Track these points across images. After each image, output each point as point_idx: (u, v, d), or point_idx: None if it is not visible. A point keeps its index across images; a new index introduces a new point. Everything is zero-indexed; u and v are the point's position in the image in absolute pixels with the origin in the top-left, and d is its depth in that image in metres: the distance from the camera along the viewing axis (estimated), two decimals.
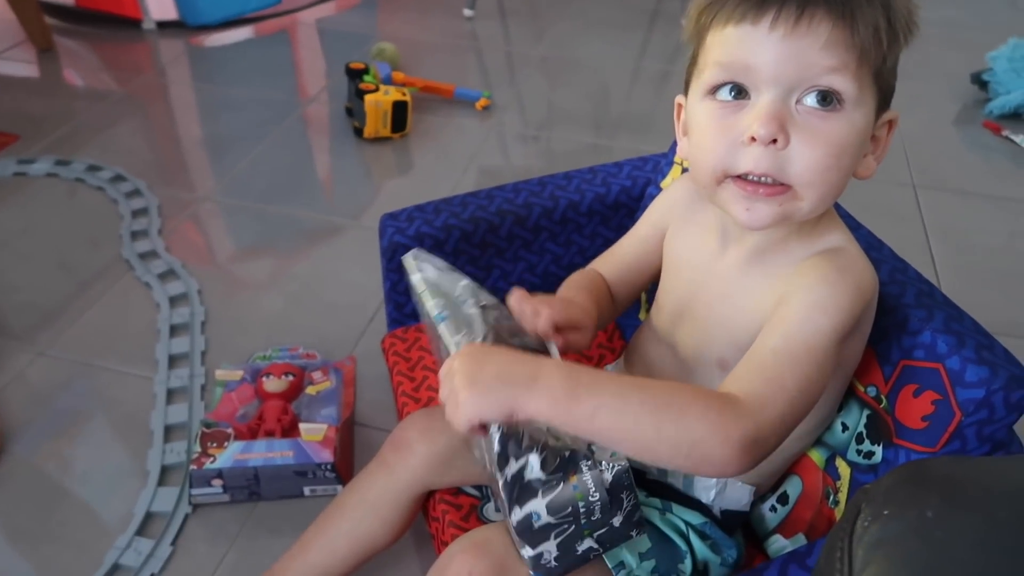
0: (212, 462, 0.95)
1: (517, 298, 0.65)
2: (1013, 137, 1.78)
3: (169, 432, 1.06)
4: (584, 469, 0.56)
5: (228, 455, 0.96)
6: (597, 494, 0.57)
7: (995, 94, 1.86)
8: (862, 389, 0.72)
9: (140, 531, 0.94)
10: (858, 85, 0.55)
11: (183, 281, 1.31)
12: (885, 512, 0.42)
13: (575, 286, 0.75)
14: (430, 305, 0.63)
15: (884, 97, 0.59)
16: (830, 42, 0.53)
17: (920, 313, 0.69)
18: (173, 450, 1.03)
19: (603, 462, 0.57)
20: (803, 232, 0.64)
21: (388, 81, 1.75)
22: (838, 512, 0.73)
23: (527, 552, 0.58)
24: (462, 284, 0.67)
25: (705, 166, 0.59)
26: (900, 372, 0.69)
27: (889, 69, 0.58)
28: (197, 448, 0.97)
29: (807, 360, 0.56)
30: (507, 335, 0.63)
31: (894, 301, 0.71)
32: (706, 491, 0.73)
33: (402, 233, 0.99)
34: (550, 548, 0.58)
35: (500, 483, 0.56)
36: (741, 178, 0.58)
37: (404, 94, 1.67)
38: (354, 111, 1.73)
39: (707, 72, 0.58)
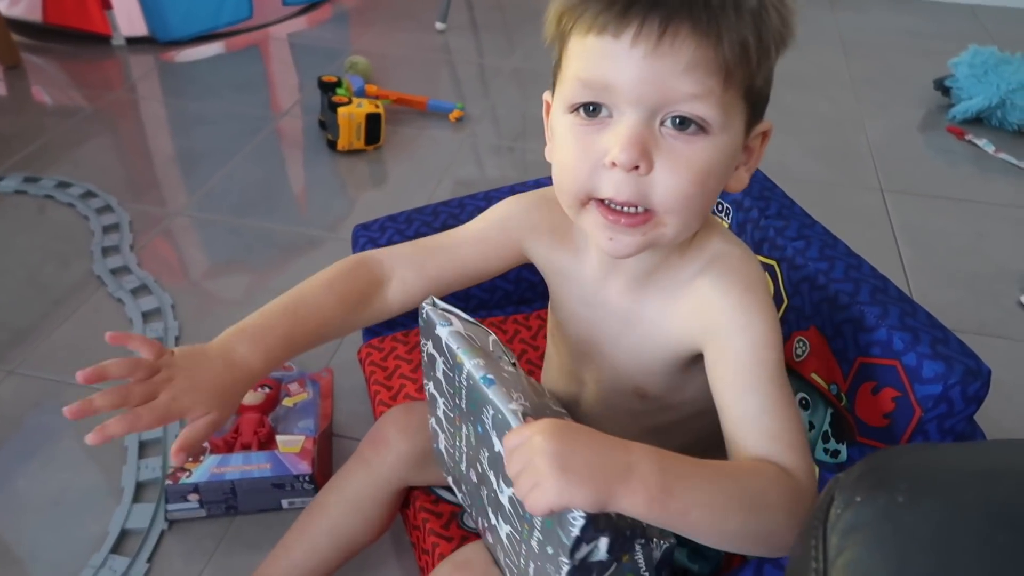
0: (188, 477, 0.94)
1: None
2: (976, 141, 1.82)
3: (143, 448, 1.05)
4: (637, 548, 0.55)
5: (204, 469, 0.95)
6: (647, 572, 0.56)
7: (957, 99, 1.90)
8: (825, 386, 0.73)
9: (115, 549, 0.92)
10: (723, 110, 0.52)
11: (156, 296, 1.30)
12: (857, 499, 0.43)
13: (292, 315, 0.66)
14: (470, 365, 0.57)
15: (756, 110, 0.56)
16: (693, 64, 0.50)
17: (875, 310, 0.69)
18: (148, 466, 1.02)
19: (654, 539, 0.55)
20: (683, 247, 0.62)
21: (361, 94, 1.75)
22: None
23: None
24: (492, 339, 0.62)
25: (568, 188, 0.56)
26: (857, 370, 0.70)
27: (761, 83, 0.54)
28: (173, 463, 0.96)
29: (785, 397, 0.57)
30: (535, 396, 0.60)
31: (849, 299, 0.72)
32: None
33: (374, 243, 0.99)
34: None
35: (565, 569, 0.52)
36: (603, 203, 0.55)
37: (377, 106, 1.67)
38: (327, 124, 1.73)
39: (568, 86, 0.54)
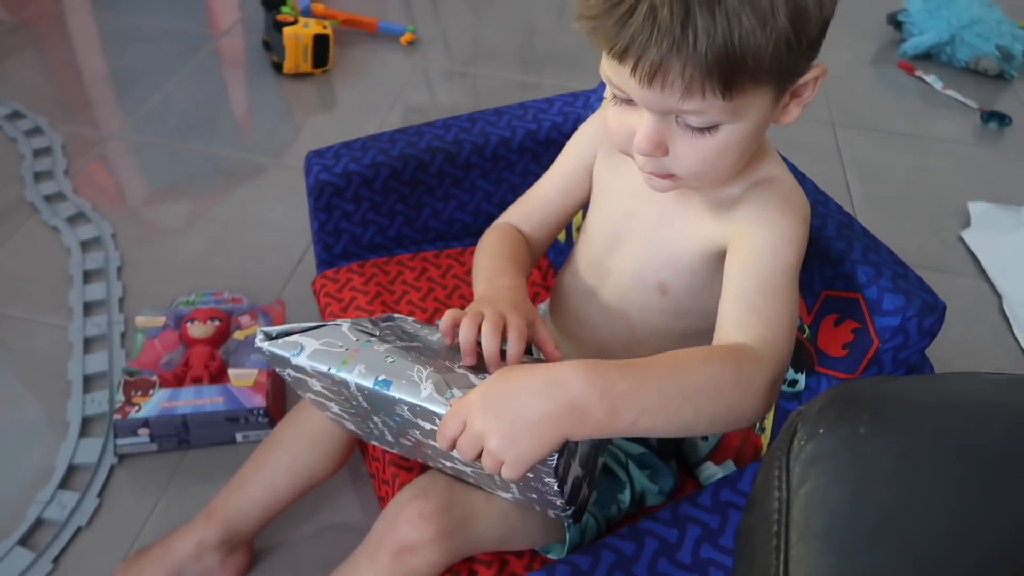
0: (137, 411, 0.92)
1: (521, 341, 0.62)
2: (925, 77, 1.84)
3: (88, 382, 1.02)
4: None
5: (154, 403, 0.93)
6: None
7: (909, 35, 1.91)
8: None
9: (63, 484, 0.90)
10: (731, 110, 0.54)
11: (95, 224, 1.24)
12: (820, 431, 0.43)
13: (503, 261, 0.72)
14: (354, 377, 0.57)
15: (793, 76, 0.57)
16: (688, 92, 0.52)
17: (840, 245, 0.71)
18: (94, 400, 0.99)
19: None
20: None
21: (307, 13, 1.67)
22: (764, 439, 0.76)
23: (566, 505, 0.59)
24: (346, 327, 0.62)
25: (612, 142, 0.63)
26: (822, 302, 0.72)
27: (789, 57, 0.53)
28: (120, 397, 0.93)
29: (788, 292, 0.60)
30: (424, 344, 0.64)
31: (816, 233, 0.73)
32: None
33: (329, 171, 0.96)
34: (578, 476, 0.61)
35: (559, 502, 0.58)
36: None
37: (325, 27, 1.60)
38: (272, 45, 1.65)
39: (603, 68, 0.59)
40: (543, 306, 0.90)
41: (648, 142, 0.57)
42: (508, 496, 0.64)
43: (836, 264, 0.70)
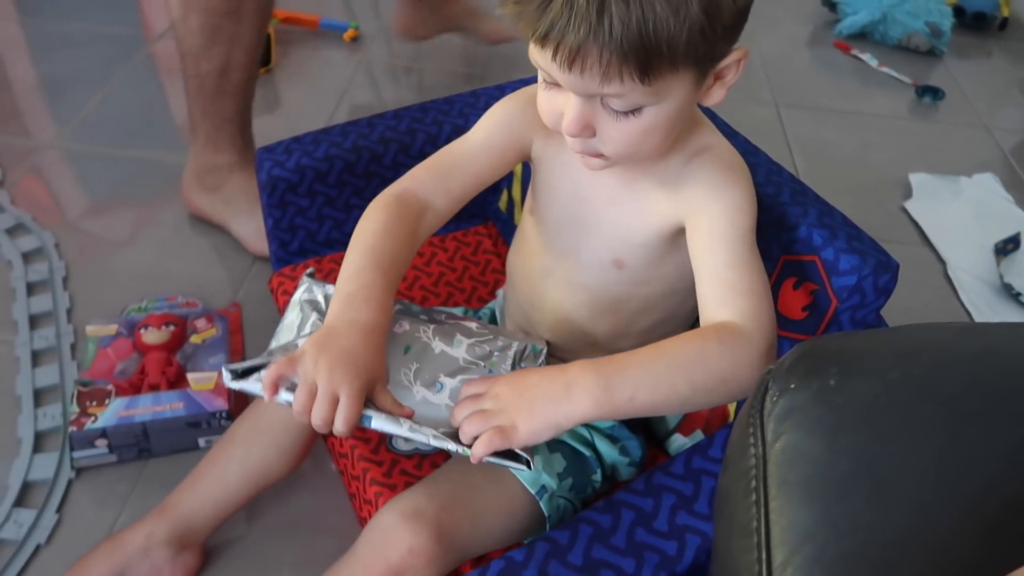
0: (93, 422, 0.89)
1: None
2: (860, 55, 1.89)
3: (39, 396, 0.98)
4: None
5: (111, 413, 0.90)
6: None
7: (843, 15, 1.96)
8: None
9: (19, 502, 0.87)
10: (651, 92, 0.56)
11: (36, 235, 1.20)
12: (791, 386, 0.44)
13: (372, 273, 0.66)
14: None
15: (713, 60, 0.58)
16: (607, 77, 0.54)
17: (796, 210, 0.73)
18: (46, 414, 0.96)
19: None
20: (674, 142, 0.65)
21: None
22: (731, 406, 0.78)
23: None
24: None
25: (545, 123, 0.64)
26: (781, 267, 0.74)
27: (706, 42, 0.55)
28: (75, 408, 0.90)
29: (753, 257, 0.63)
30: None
31: (771, 200, 0.75)
32: None
33: (281, 166, 0.94)
34: None
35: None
36: None
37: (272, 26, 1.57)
38: None
39: (530, 51, 0.59)
40: (501, 292, 0.90)
41: (574, 124, 0.59)
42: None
43: (792, 229, 0.72)
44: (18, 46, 1.72)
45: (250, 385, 0.62)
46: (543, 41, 0.55)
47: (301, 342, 0.63)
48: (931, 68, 1.89)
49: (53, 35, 1.73)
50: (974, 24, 1.97)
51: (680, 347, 0.60)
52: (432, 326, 0.70)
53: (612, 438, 0.76)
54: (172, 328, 1.01)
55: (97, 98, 1.54)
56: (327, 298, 0.70)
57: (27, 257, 1.16)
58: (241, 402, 0.99)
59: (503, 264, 1.02)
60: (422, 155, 0.98)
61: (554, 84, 0.60)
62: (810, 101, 1.75)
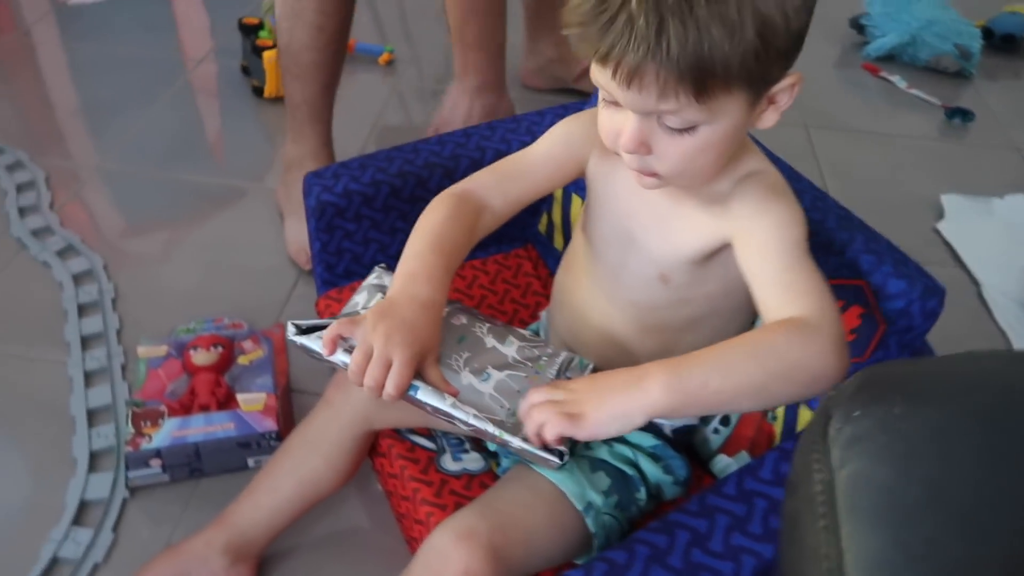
0: (148, 442, 0.91)
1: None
2: (889, 77, 1.90)
3: (92, 416, 1.01)
4: None
5: (165, 433, 0.92)
6: None
7: (872, 37, 1.97)
8: None
9: (76, 521, 0.89)
10: (707, 110, 0.58)
11: (85, 257, 1.23)
12: (855, 414, 0.46)
13: (434, 256, 0.70)
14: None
15: (767, 83, 0.60)
16: (664, 94, 0.56)
17: (843, 236, 0.75)
18: (100, 434, 0.98)
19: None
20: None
21: None
22: (777, 427, 0.78)
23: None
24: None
25: (603, 141, 0.66)
26: None
27: (763, 63, 0.57)
28: (130, 429, 0.92)
29: (809, 263, 0.64)
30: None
31: (817, 226, 0.76)
32: None
33: (330, 191, 0.97)
34: None
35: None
36: None
37: None
38: (251, 69, 1.65)
39: (592, 71, 0.62)
40: (544, 313, 0.91)
41: (632, 141, 0.61)
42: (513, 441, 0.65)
43: (839, 254, 0.73)
44: (64, 70, 1.77)
45: (310, 341, 0.65)
46: (604, 60, 0.58)
47: (364, 312, 0.66)
48: (960, 90, 1.89)
49: (97, 59, 1.77)
50: (1003, 46, 1.97)
51: (748, 338, 0.61)
52: (487, 324, 0.73)
53: (655, 457, 0.77)
54: (220, 349, 1.03)
55: (141, 120, 1.58)
56: None
57: (77, 279, 1.19)
58: (288, 423, 1.01)
59: (543, 287, 1.04)
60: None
61: (613, 103, 0.63)
62: (840, 123, 1.76)
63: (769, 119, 0.64)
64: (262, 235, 1.32)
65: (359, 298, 0.73)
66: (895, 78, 1.89)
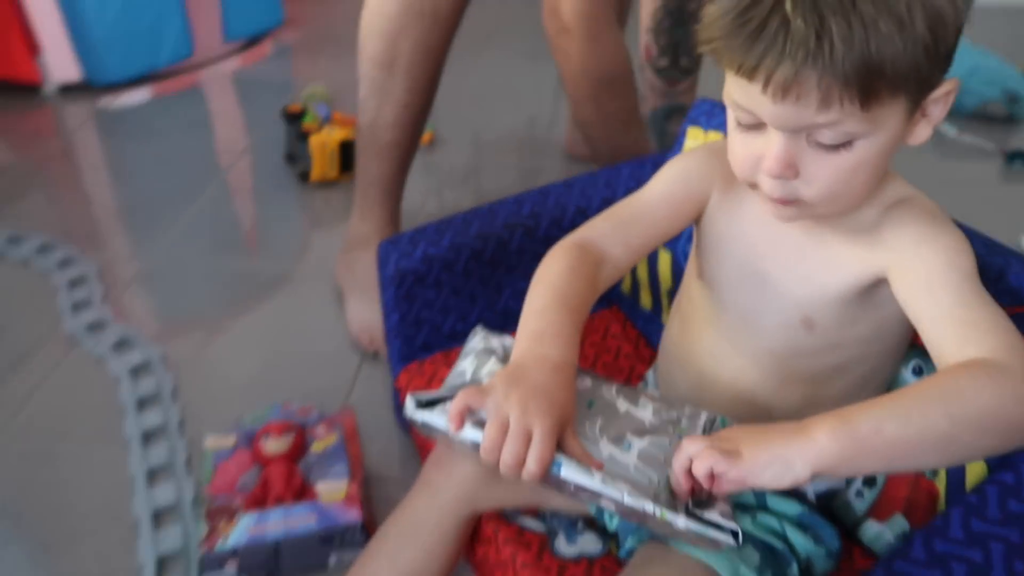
0: (224, 541, 0.83)
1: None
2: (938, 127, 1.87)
3: (157, 517, 0.93)
4: None
5: (241, 530, 0.84)
6: None
7: None
8: None
9: None
10: (867, 121, 0.53)
11: (142, 350, 1.17)
12: None
13: (558, 311, 0.63)
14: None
15: (926, 89, 0.55)
16: (824, 103, 0.51)
17: (997, 260, 0.69)
18: (168, 536, 0.90)
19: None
20: None
21: (328, 121, 1.67)
22: (939, 483, 0.69)
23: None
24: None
25: (736, 173, 0.61)
26: None
27: (924, 69, 0.52)
28: (203, 527, 0.84)
29: (985, 296, 0.56)
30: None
31: None
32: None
33: (408, 257, 0.91)
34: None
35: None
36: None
37: (350, 132, 1.59)
38: (297, 156, 1.64)
39: (727, 98, 0.58)
40: (649, 374, 0.84)
41: (779, 163, 0.55)
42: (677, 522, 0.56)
43: (996, 281, 0.67)
44: (108, 170, 1.77)
45: (433, 417, 0.57)
46: (752, 73, 0.52)
47: (485, 378, 0.59)
48: (1013, 133, 1.86)
49: (141, 157, 1.77)
50: None
51: (927, 383, 0.53)
52: (614, 386, 0.65)
53: (803, 526, 0.68)
54: (293, 436, 0.96)
55: (187, 215, 1.55)
56: (506, 348, 0.66)
57: (134, 372, 1.14)
58: (369, 514, 0.92)
59: (635, 348, 0.97)
60: (547, 239, 0.95)
61: (751, 127, 0.57)
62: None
63: (922, 133, 0.58)
64: (320, 319, 1.26)
65: (465, 365, 0.66)
66: (944, 126, 1.86)
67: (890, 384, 0.71)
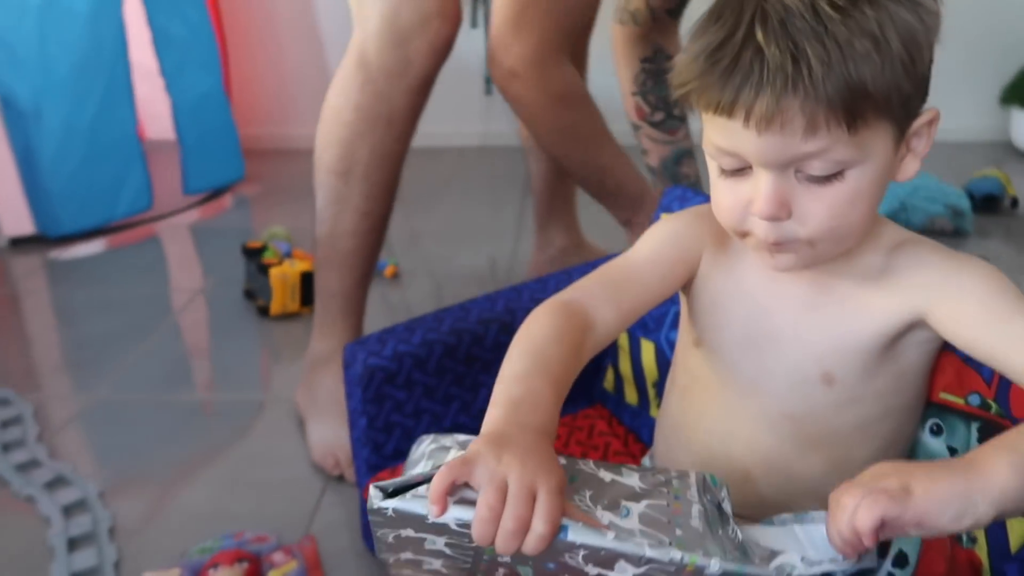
0: None
1: None
2: None
3: None
4: None
5: None
6: None
7: None
8: (962, 402, 0.65)
9: None
10: (856, 147, 0.52)
11: (78, 487, 1.05)
12: None
13: (539, 379, 0.56)
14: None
15: (909, 115, 0.54)
16: (810, 130, 0.50)
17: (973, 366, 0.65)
18: None
19: None
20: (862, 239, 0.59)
21: (290, 256, 1.64)
22: (980, 551, 0.62)
23: None
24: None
25: (725, 225, 0.59)
26: None
27: (907, 90, 0.52)
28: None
29: None
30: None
31: None
32: (828, 551, 0.61)
33: (377, 355, 0.86)
34: None
35: None
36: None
37: (311, 264, 1.56)
38: (257, 290, 1.59)
39: (707, 143, 0.56)
40: (646, 461, 0.77)
41: (770, 202, 0.53)
42: None
43: None
44: (53, 314, 1.70)
45: (409, 504, 0.48)
46: (731, 108, 0.51)
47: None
48: (961, 246, 1.91)
49: (88, 302, 1.70)
50: (985, 206, 2.03)
51: None
52: (590, 461, 0.57)
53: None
54: (246, 565, 0.85)
55: (137, 352, 1.47)
56: (460, 443, 0.55)
57: (68, 510, 1.02)
58: None
59: (624, 445, 0.90)
60: None
61: (736, 172, 0.55)
62: None
63: (910, 167, 0.57)
64: (278, 447, 1.17)
65: (420, 467, 0.58)
66: None
67: (912, 447, 0.66)
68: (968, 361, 0.64)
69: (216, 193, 2.38)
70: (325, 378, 1.14)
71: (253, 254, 1.62)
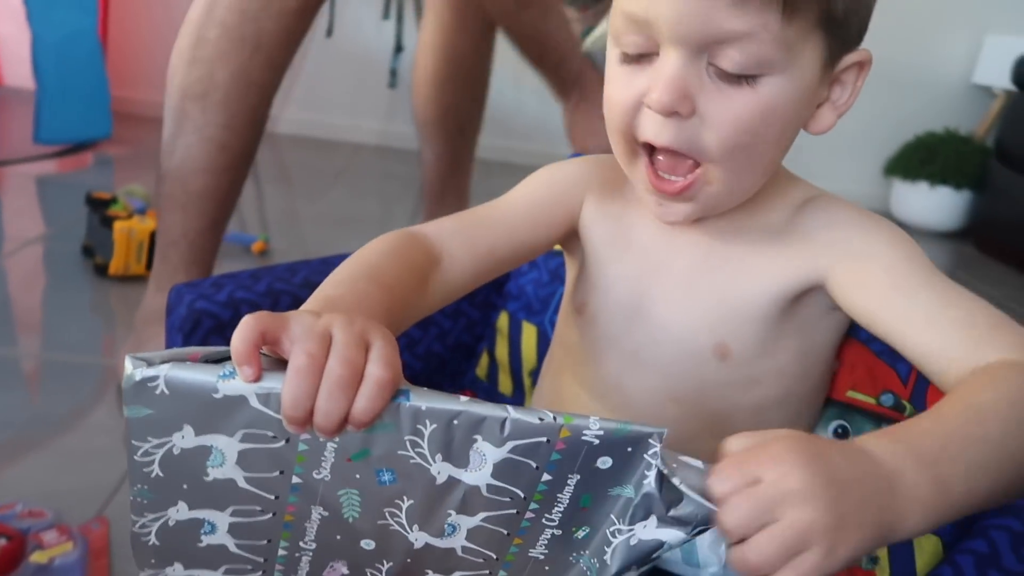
0: None
1: None
2: None
3: None
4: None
5: None
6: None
7: None
8: (873, 402, 0.58)
9: None
10: (784, 47, 0.45)
11: None
12: None
13: (368, 284, 0.47)
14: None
15: (841, 40, 0.48)
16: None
17: None
18: None
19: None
20: (764, 196, 0.53)
21: (142, 213, 1.45)
22: (880, 572, 0.55)
23: None
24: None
25: (613, 127, 0.51)
26: None
27: (843, 9, 0.46)
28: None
29: (964, 289, 0.47)
30: None
31: None
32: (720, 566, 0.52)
33: (208, 299, 0.71)
34: None
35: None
36: (651, 164, 0.50)
37: None
38: (97, 246, 1.39)
39: (614, 19, 0.49)
40: None
41: (669, 88, 0.45)
42: None
43: None
44: None
45: (191, 372, 0.35)
46: None
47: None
48: None
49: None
50: None
51: (992, 403, 0.40)
52: (431, 427, 0.39)
53: None
54: (3, 542, 0.68)
55: None
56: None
57: None
58: None
59: None
60: None
61: (639, 57, 0.47)
62: None
63: (826, 118, 0.50)
64: (95, 414, 0.99)
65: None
66: None
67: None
68: (882, 355, 0.57)
69: (77, 148, 2.13)
70: (158, 337, 0.98)
71: (98, 205, 1.42)
